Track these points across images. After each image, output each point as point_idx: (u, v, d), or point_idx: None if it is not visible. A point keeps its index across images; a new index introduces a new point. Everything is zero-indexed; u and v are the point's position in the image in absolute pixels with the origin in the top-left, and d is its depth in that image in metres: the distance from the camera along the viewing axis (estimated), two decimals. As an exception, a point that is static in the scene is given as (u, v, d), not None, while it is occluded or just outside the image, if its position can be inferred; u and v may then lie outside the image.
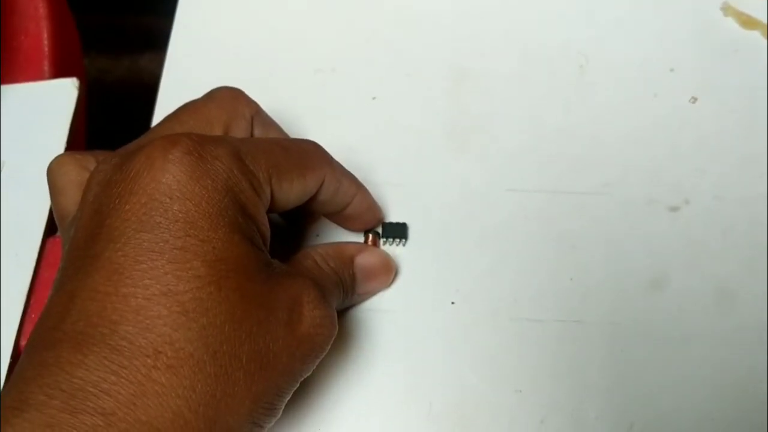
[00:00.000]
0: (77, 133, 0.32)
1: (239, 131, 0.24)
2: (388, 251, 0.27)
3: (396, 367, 0.25)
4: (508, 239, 0.28)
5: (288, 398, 0.20)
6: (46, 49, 0.35)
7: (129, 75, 0.67)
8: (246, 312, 0.19)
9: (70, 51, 0.38)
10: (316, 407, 0.25)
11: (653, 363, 0.25)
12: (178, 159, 0.19)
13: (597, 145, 0.30)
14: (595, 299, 0.26)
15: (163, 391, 0.17)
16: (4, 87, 0.33)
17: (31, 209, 0.30)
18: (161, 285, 0.18)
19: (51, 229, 0.30)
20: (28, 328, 0.28)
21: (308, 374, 0.21)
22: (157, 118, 0.30)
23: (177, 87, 0.31)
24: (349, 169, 0.25)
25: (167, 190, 0.18)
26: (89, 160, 0.22)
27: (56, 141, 0.31)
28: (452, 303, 0.26)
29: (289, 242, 0.28)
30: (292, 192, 0.22)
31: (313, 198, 0.23)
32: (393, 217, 0.28)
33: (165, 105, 0.31)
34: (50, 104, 0.32)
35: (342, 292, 0.24)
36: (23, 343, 0.27)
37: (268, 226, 0.21)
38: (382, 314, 0.26)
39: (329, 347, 0.21)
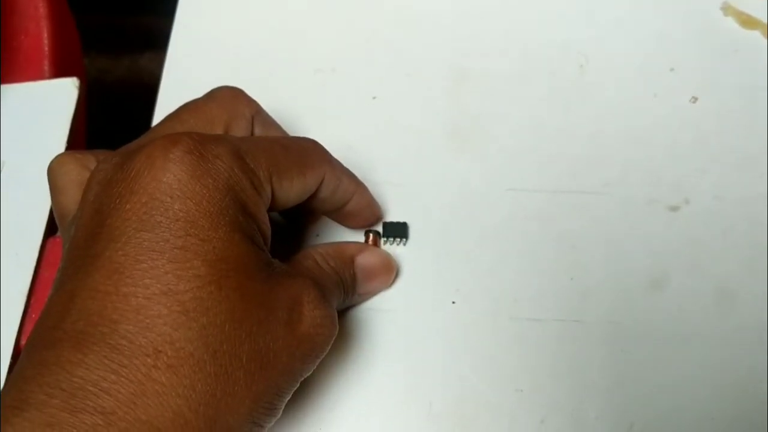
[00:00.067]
0: (77, 133, 0.32)
1: (240, 131, 0.24)
2: (388, 251, 0.27)
3: (396, 367, 0.25)
4: (508, 239, 0.28)
5: (288, 398, 0.20)
6: (46, 48, 0.35)
7: (129, 75, 0.67)
8: (246, 311, 0.19)
9: (70, 51, 0.38)
10: (316, 407, 0.25)
11: (653, 363, 0.25)
12: (179, 158, 0.19)
13: (597, 145, 0.30)
14: (595, 299, 0.26)
15: (164, 391, 0.17)
16: (4, 87, 0.33)
17: (31, 209, 0.30)
18: (161, 284, 0.18)
19: (51, 229, 0.30)
20: (29, 328, 0.28)
21: (308, 374, 0.21)
22: (158, 118, 0.30)
23: (177, 87, 0.31)
24: (349, 169, 0.25)
25: (168, 190, 0.18)
26: (90, 160, 0.22)
27: (56, 141, 0.31)
28: (453, 302, 0.26)
29: (290, 242, 0.28)
30: (292, 190, 0.22)
31: (313, 196, 0.23)
32: (393, 216, 0.28)
33: (165, 105, 0.31)
34: (50, 104, 0.32)
35: (342, 292, 0.24)
36: (23, 342, 0.27)
37: (268, 224, 0.21)
38: (382, 314, 0.26)
39: (329, 347, 0.21)
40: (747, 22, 0.32)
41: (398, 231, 0.27)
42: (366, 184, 0.26)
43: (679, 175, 0.29)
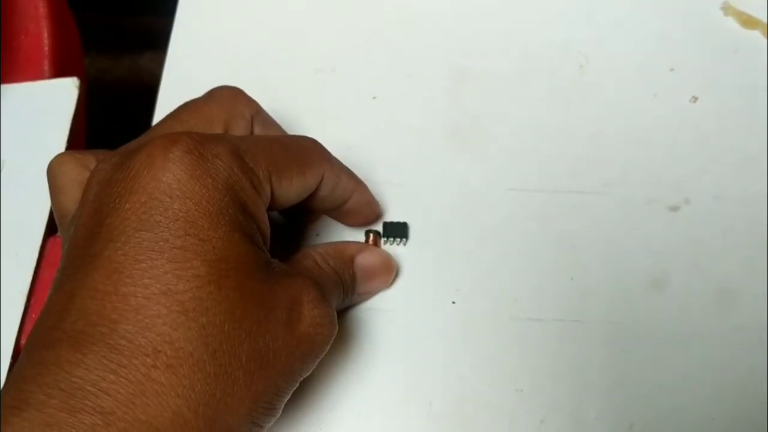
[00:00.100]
0: (77, 132, 0.32)
1: (239, 130, 0.24)
2: (388, 251, 0.27)
3: (396, 367, 0.25)
4: (508, 239, 0.28)
5: (287, 398, 0.20)
6: (47, 48, 0.35)
7: (129, 75, 0.67)
8: (246, 311, 0.19)
9: (70, 51, 0.38)
10: (316, 407, 0.25)
11: (653, 363, 0.25)
12: (179, 158, 0.19)
13: (597, 145, 0.30)
14: (595, 299, 0.26)
15: (163, 391, 0.17)
16: (5, 87, 0.33)
17: (31, 209, 0.30)
18: (161, 284, 0.18)
19: (51, 228, 0.30)
20: (29, 328, 0.28)
21: (308, 374, 0.21)
22: (158, 118, 0.30)
23: (177, 87, 0.31)
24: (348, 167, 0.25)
25: (167, 189, 0.18)
26: (89, 159, 0.22)
27: (56, 141, 0.31)
28: (453, 302, 0.26)
29: (290, 242, 0.28)
30: (291, 189, 0.22)
31: (312, 194, 0.23)
32: (393, 216, 0.28)
33: (165, 105, 0.31)
34: (50, 104, 0.32)
35: (342, 292, 0.24)
36: (24, 342, 0.27)
37: (268, 224, 0.21)
38: (382, 314, 0.26)
39: (329, 347, 0.21)
40: (747, 22, 0.32)
41: (398, 231, 0.28)
42: (366, 184, 0.26)
43: (679, 175, 0.29)
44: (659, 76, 0.31)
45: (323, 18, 0.33)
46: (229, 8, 0.34)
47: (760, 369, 0.25)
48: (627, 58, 0.32)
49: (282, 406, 0.20)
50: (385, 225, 0.28)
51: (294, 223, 0.28)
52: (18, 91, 0.33)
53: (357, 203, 0.26)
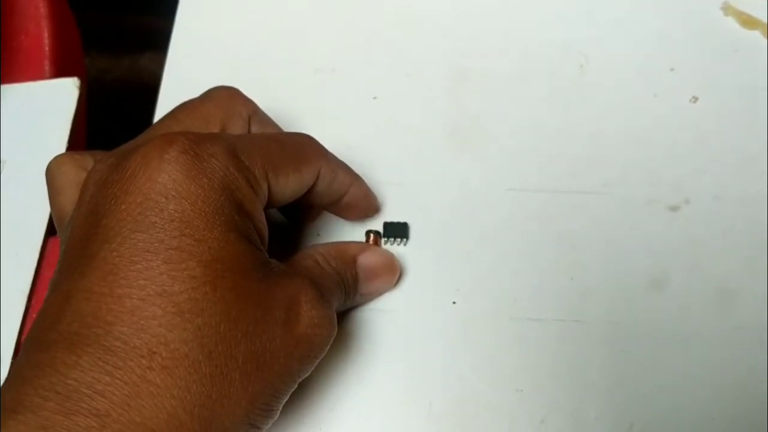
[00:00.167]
0: (78, 133, 0.32)
1: (236, 130, 0.24)
2: (389, 251, 0.27)
3: (396, 367, 0.25)
4: (508, 239, 0.28)
5: (285, 399, 0.20)
6: (47, 48, 0.35)
7: (129, 75, 0.67)
8: (242, 312, 0.18)
9: (70, 50, 0.38)
10: (316, 407, 0.25)
11: (653, 363, 0.25)
12: (174, 158, 0.19)
13: (597, 145, 0.30)
14: (595, 299, 0.26)
15: (158, 392, 0.17)
16: (5, 86, 0.33)
17: (31, 209, 0.30)
18: (156, 285, 0.18)
19: (52, 229, 0.30)
20: (30, 328, 0.28)
21: (306, 375, 0.21)
22: (158, 118, 0.30)
23: (178, 87, 0.31)
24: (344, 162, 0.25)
25: (163, 190, 0.18)
26: (88, 160, 0.22)
27: (57, 141, 0.31)
28: (453, 303, 0.26)
29: (290, 242, 0.28)
30: (288, 186, 0.22)
31: (310, 190, 0.23)
32: (393, 216, 0.28)
33: (166, 105, 0.31)
34: (51, 104, 0.32)
35: (344, 293, 0.24)
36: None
37: (265, 223, 0.21)
38: (383, 314, 0.26)
39: (328, 348, 0.21)
40: (747, 22, 0.32)
41: (399, 231, 0.28)
42: (362, 178, 0.26)
43: (679, 175, 0.29)
44: (659, 76, 0.31)
45: (323, 18, 0.33)
46: (230, 8, 0.34)
47: (760, 369, 0.25)
48: (627, 58, 0.32)
49: (280, 408, 0.20)
50: (386, 225, 0.28)
51: (294, 221, 0.28)
52: (18, 91, 0.33)
53: (354, 197, 0.26)
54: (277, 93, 0.30)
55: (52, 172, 0.22)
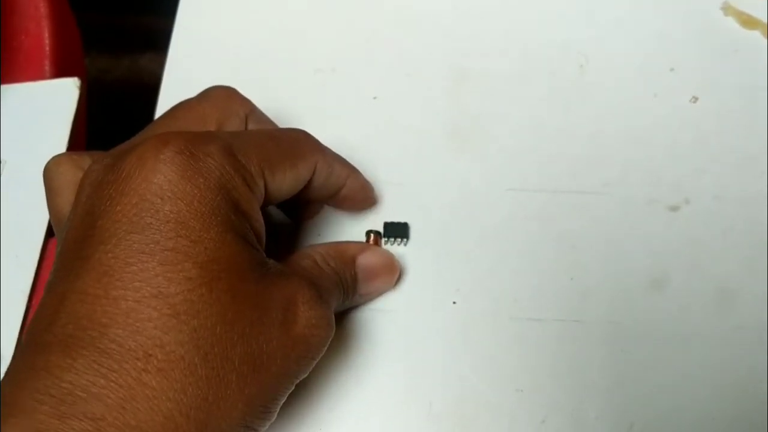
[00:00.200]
0: (78, 133, 0.33)
1: (233, 129, 0.24)
2: (389, 251, 0.27)
3: (396, 367, 0.25)
4: (508, 239, 0.28)
5: (283, 401, 0.20)
6: (47, 48, 0.35)
7: (129, 75, 0.67)
8: (238, 313, 0.18)
9: (71, 50, 0.38)
10: (316, 407, 0.25)
11: (653, 363, 0.25)
12: (170, 158, 0.19)
13: (597, 145, 0.30)
14: (595, 299, 0.26)
15: (154, 395, 0.17)
16: (5, 87, 0.33)
17: (32, 209, 0.30)
18: (151, 287, 0.17)
19: (52, 229, 0.30)
20: (29, 328, 0.28)
21: (304, 376, 0.21)
22: (158, 118, 0.30)
23: (178, 87, 0.31)
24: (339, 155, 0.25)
25: (158, 191, 0.18)
26: (86, 161, 0.22)
27: (57, 141, 0.31)
28: (454, 303, 0.26)
29: (291, 241, 0.28)
30: (285, 182, 0.22)
31: (307, 185, 0.23)
32: (394, 216, 0.28)
33: (166, 105, 0.30)
34: (51, 104, 0.32)
35: (343, 293, 0.24)
36: (24, 343, 0.27)
37: (262, 222, 0.21)
38: (383, 314, 0.26)
39: (325, 348, 0.21)
40: (747, 22, 0.32)
41: (399, 231, 0.28)
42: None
43: (679, 175, 0.29)
44: (659, 76, 0.31)
45: (323, 18, 0.33)
46: (230, 8, 0.34)
47: (760, 369, 0.25)
48: (627, 58, 0.32)
49: (277, 409, 0.20)
50: (386, 225, 0.28)
51: (293, 217, 0.28)
52: (19, 91, 0.33)
53: (352, 189, 0.26)
54: (277, 93, 0.30)
55: (49, 173, 0.22)
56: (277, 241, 0.25)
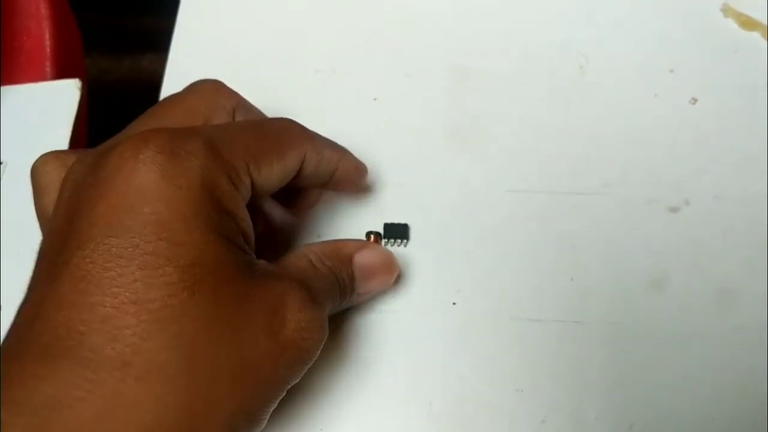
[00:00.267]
0: (79, 134, 0.33)
1: (220, 123, 0.23)
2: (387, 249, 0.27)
3: (396, 367, 0.25)
4: (508, 239, 0.28)
5: (273, 407, 0.19)
6: (49, 49, 0.35)
7: (130, 75, 0.67)
8: (222, 318, 0.18)
9: (72, 52, 0.38)
10: (316, 407, 0.25)
11: (653, 363, 0.25)
12: (150, 158, 0.18)
13: (597, 145, 0.30)
14: (595, 299, 0.26)
15: (132, 406, 0.16)
16: (6, 88, 0.33)
17: (32, 210, 0.30)
18: (130, 293, 0.17)
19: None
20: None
21: (296, 381, 0.20)
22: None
23: (179, 87, 0.31)
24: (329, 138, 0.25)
25: (138, 192, 0.18)
26: (72, 159, 0.21)
27: (58, 142, 0.31)
28: (454, 304, 0.26)
29: (291, 241, 0.28)
30: (272, 175, 0.21)
31: (298, 174, 0.23)
32: (394, 217, 0.28)
33: (166, 105, 0.31)
34: (52, 105, 0.33)
35: (339, 293, 0.23)
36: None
37: (249, 221, 0.20)
38: (383, 314, 0.26)
39: (318, 352, 0.20)
40: (746, 23, 0.32)
41: (399, 232, 0.28)
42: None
43: (679, 175, 0.29)
44: (659, 76, 0.31)
45: (323, 18, 0.33)
46: (230, 9, 0.34)
47: (760, 369, 0.25)
48: (627, 58, 0.32)
49: (266, 416, 0.19)
50: (386, 226, 0.28)
51: (290, 205, 0.27)
52: (20, 93, 0.33)
53: (345, 172, 0.25)
54: (277, 93, 0.30)
55: (36, 172, 0.21)
56: (275, 240, 0.25)
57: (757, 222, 0.28)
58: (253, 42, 0.33)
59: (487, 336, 0.26)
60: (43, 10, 0.36)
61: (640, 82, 0.31)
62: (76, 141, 0.32)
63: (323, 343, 0.20)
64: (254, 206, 0.21)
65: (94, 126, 0.39)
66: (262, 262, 0.20)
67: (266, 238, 0.24)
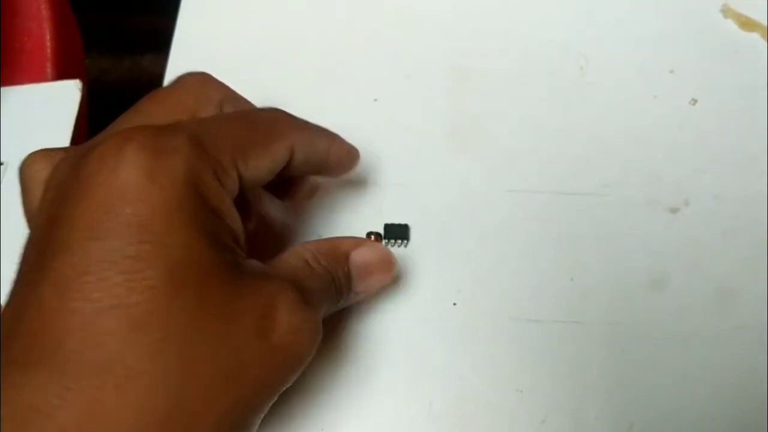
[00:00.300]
0: (79, 135, 0.33)
1: (207, 116, 0.22)
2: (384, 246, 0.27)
3: (396, 367, 0.26)
4: (508, 239, 0.28)
5: (264, 412, 0.19)
6: (49, 50, 0.35)
7: (130, 76, 0.67)
8: (206, 322, 0.17)
9: (72, 52, 0.38)
10: (316, 407, 0.25)
11: (653, 363, 0.25)
12: (132, 157, 0.17)
13: (597, 145, 0.30)
14: (595, 299, 0.26)
15: (113, 414, 0.15)
16: (7, 89, 0.33)
17: (33, 210, 0.30)
18: (111, 297, 0.16)
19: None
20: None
21: (289, 385, 0.19)
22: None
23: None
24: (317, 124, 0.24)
25: (119, 193, 0.17)
26: (60, 157, 0.20)
27: (59, 143, 0.31)
28: (454, 304, 0.26)
29: (291, 241, 0.28)
30: (261, 167, 0.20)
31: (289, 164, 0.22)
32: (394, 217, 0.28)
33: (166, 106, 0.31)
34: (53, 106, 0.33)
35: (336, 293, 0.22)
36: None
37: (237, 218, 0.20)
38: (383, 314, 0.26)
39: (311, 355, 0.19)
40: (746, 24, 0.32)
41: (399, 233, 0.28)
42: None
43: (679, 176, 0.29)
44: (659, 76, 0.31)
45: (323, 18, 0.33)
46: (230, 9, 0.34)
47: (760, 369, 0.25)
48: (627, 58, 0.32)
49: (257, 422, 0.18)
50: (386, 227, 0.28)
51: (284, 196, 0.27)
52: (20, 93, 0.33)
53: (336, 156, 0.24)
54: (277, 93, 0.30)
55: (24, 171, 0.21)
56: (273, 239, 0.25)
57: (757, 222, 0.28)
58: (253, 42, 0.33)
59: (487, 336, 0.26)
60: (44, 11, 0.36)
61: (640, 82, 0.31)
62: (76, 141, 0.32)
63: (317, 345, 0.20)
64: (245, 201, 0.21)
65: (95, 126, 0.39)
66: (252, 261, 0.19)
67: (263, 237, 0.24)
